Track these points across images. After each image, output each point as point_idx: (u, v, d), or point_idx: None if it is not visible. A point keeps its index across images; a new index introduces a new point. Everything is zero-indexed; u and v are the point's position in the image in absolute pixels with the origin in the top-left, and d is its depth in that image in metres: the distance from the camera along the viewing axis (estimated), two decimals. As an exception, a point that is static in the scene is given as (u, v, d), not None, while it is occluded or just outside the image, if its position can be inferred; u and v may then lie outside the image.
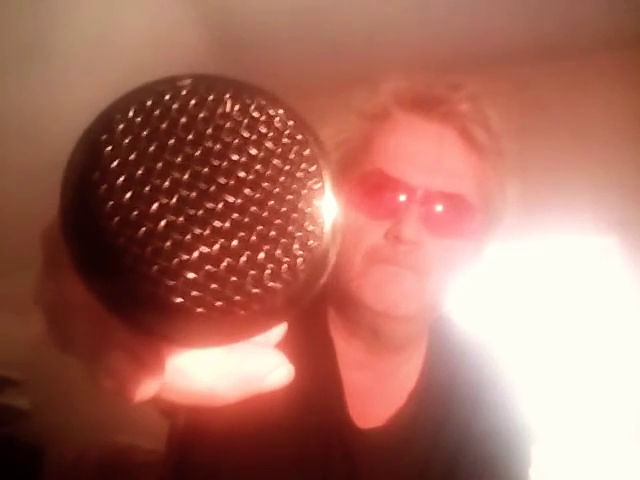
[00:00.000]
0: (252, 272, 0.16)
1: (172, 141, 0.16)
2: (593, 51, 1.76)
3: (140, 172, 0.15)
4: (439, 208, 0.59)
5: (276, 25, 1.81)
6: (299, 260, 0.16)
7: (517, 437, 0.64)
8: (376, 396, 0.64)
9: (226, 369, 0.20)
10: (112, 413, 1.52)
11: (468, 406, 0.64)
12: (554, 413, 1.57)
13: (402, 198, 0.59)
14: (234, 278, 0.15)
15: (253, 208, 0.16)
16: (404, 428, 0.62)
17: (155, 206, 0.15)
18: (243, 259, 0.16)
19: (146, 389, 0.17)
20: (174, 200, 0.15)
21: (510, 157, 0.65)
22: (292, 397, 0.57)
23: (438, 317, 0.68)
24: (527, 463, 0.64)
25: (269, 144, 0.17)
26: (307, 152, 0.17)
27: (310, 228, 0.17)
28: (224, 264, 0.15)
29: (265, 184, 0.16)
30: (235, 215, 0.16)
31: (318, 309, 0.66)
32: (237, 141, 0.16)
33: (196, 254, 0.15)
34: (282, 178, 0.16)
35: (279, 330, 0.23)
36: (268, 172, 0.16)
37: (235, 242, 0.16)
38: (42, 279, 0.20)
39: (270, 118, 0.17)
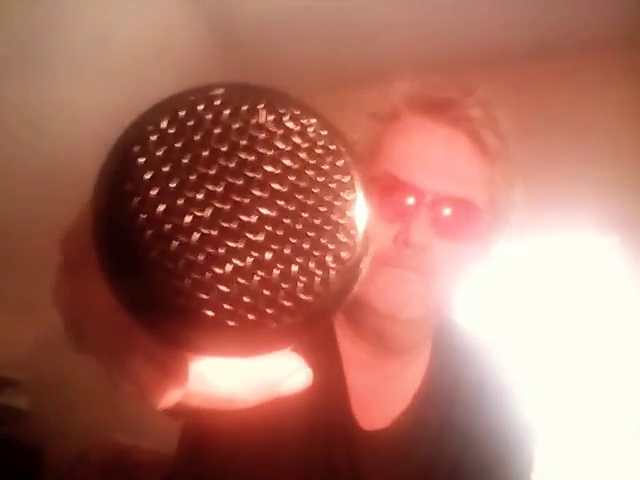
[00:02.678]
0: (285, 285, 0.15)
1: (206, 152, 0.15)
2: (592, 50, 1.76)
3: (174, 184, 0.15)
4: (447, 212, 0.59)
5: (276, 24, 1.81)
6: (332, 272, 0.16)
7: (520, 438, 0.64)
8: (380, 398, 0.64)
9: (246, 374, 0.19)
10: (112, 413, 1.52)
11: (471, 408, 0.64)
12: (556, 414, 1.57)
13: (411, 201, 0.58)
14: (267, 292, 0.15)
15: (287, 220, 0.16)
16: (408, 430, 0.62)
17: (188, 219, 0.15)
18: (276, 272, 0.15)
19: (170, 397, 0.17)
20: (208, 213, 0.15)
21: (518, 161, 0.65)
22: (296, 398, 0.57)
23: (443, 319, 0.68)
24: (530, 464, 0.65)
25: (303, 155, 0.16)
26: (340, 163, 0.17)
27: (343, 240, 0.16)
28: (257, 277, 0.15)
29: (299, 196, 0.16)
30: (269, 228, 0.15)
31: None
32: (271, 152, 0.16)
33: (229, 267, 0.15)
34: (316, 190, 0.16)
35: None
36: (302, 184, 0.16)
37: (268, 255, 0.15)
38: (61, 281, 0.20)
39: (304, 128, 0.17)
